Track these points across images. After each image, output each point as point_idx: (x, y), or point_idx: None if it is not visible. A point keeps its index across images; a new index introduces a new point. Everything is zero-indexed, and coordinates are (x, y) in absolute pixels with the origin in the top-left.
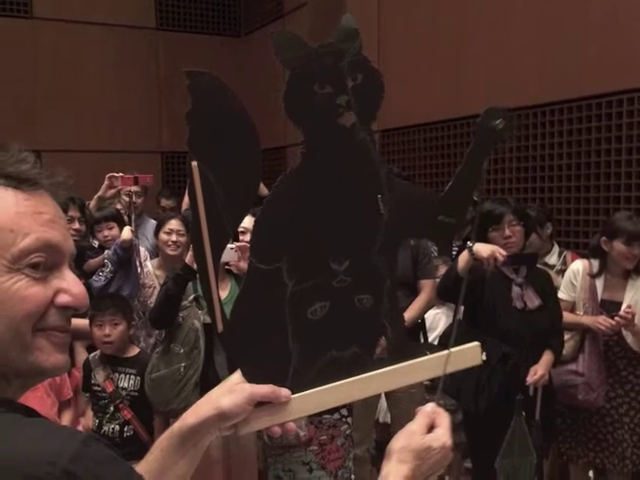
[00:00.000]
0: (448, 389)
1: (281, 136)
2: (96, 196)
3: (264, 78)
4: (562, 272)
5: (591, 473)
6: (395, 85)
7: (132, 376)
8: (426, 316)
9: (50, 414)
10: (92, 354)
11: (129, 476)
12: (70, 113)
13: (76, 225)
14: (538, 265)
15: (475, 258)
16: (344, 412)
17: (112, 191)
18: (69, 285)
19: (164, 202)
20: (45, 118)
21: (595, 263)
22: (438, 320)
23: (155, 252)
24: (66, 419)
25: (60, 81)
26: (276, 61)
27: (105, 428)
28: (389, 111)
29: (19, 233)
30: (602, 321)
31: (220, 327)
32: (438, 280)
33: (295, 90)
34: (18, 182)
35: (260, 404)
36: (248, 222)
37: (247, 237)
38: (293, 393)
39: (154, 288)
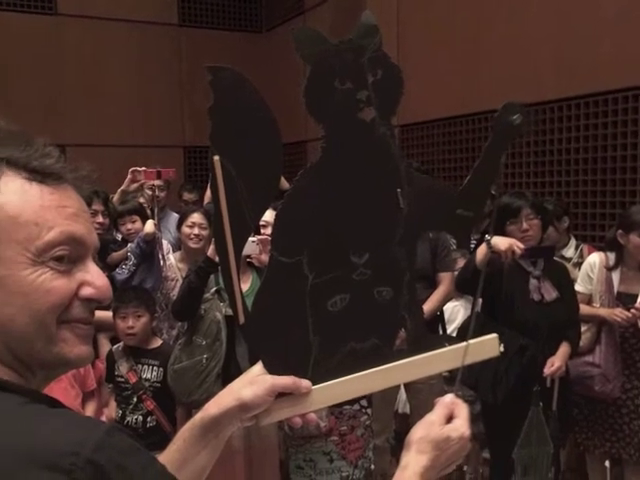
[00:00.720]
0: (466, 380)
1: (302, 131)
2: (119, 190)
3: (285, 73)
4: (579, 265)
5: (607, 463)
6: (414, 80)
7: (155, 367)
8: (445, 308)
9: (74, 405)
10: (115, 346)
11: (152, 466)
12: (94, 108)
13: (100, 218)
14: (555, 258)
15: (493, 251)
16: (364, 403)
17: (135, 185)
18: (93, 278)
19: (186, 196)
20: (69, 113)
21: (611, 256)
22: (456, 312)
23: (177, 245)
24: (90, 410)
25: (84, 77)
26: (297, 57)
27: (128, 419)
28: (408, 106)
29: (44, 227)
30: (618, 313)
31: (242, 319)
32: (456, 273)
33: (316, 85)
34: (42, 176)
35: (281, 395)
36: (269, 216)
37: (268, 230)
38: (314, 384)
39: (177, 281)
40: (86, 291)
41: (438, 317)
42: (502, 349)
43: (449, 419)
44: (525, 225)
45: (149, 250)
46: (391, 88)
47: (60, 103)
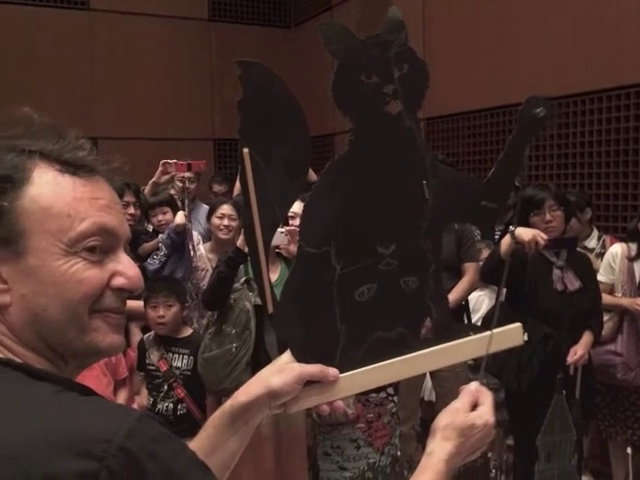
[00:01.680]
0: (491, 368)
1: (329, 124)
2: (151, 182)
3: (313, 68)
4: (601, 255)
5: (629, 450)
6: (439, 74)
7: (185, 356)
8: (469, 298)
9: (106, 393)
10: (147, 335)
11: (183, 452)
12: (126, 102)
13: (131, 210)
14: (578, 249)
15: (517, 242)
16: (390, 391)
17: (166, 177)
18: (124, 268)
19: (216, 188)
20: (101, 107)
21: (633, 246)
22: (481, 302)
23: (208, 236)
24: (121, 398)
25: (115, 71)
26: (325, 51)
27: (159, 406)
28: (434, 99)
29: (76, 218)
30: None
31: (270, 308)
32: (481, 263)
33: (343, 80)
34: (75, 168)
35: (309, 383)
36: (298, 207)
37: (297, 221)
38: (341, 372)
39: (207, 271)
40: (118, 281)
41: (463, 307)
42: (526, 338)
43: (474, 407)
44: (548, 216)
45: (180, 241)
46: (417, 82)
47: (93, 97)
